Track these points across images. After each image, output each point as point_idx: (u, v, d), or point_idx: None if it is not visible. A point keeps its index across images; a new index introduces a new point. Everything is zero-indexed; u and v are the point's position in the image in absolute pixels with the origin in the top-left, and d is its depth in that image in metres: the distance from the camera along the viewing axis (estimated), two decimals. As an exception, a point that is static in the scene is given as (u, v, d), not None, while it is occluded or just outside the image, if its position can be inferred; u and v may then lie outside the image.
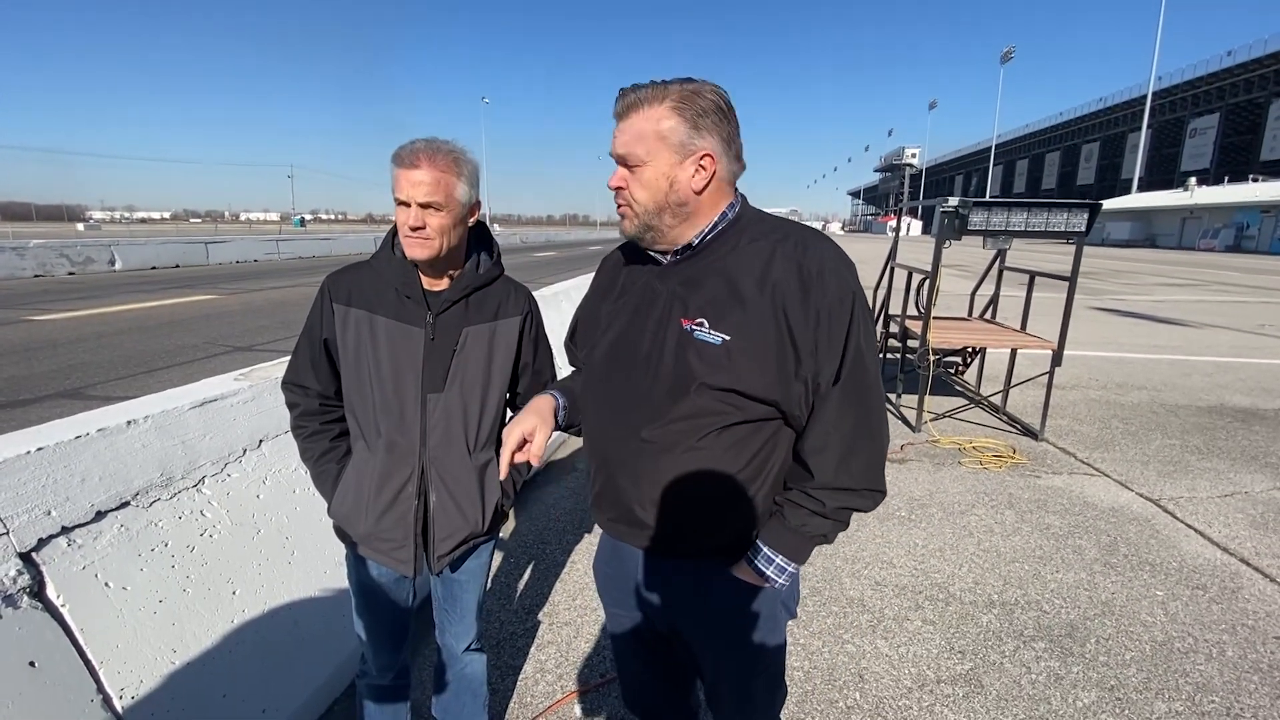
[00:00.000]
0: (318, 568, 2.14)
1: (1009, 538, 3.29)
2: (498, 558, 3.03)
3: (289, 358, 1.59)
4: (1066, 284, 4.62)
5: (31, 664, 1.39)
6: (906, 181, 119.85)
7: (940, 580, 2.88)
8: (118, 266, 17.90)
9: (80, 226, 76.01)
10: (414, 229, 1.33)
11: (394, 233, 1.47)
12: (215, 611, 1.80)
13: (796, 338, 1.06)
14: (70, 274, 16.50)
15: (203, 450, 1.95)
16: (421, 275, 1.44)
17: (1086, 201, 4.49)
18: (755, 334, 1.06)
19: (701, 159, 1.08)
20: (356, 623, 1.62)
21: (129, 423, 1.76)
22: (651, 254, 1.19)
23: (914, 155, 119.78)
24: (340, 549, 1.64)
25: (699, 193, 1.10)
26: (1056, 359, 4.70)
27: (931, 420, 5.11)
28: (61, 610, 1.49)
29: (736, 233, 1.13)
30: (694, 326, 1.09)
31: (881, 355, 6.32)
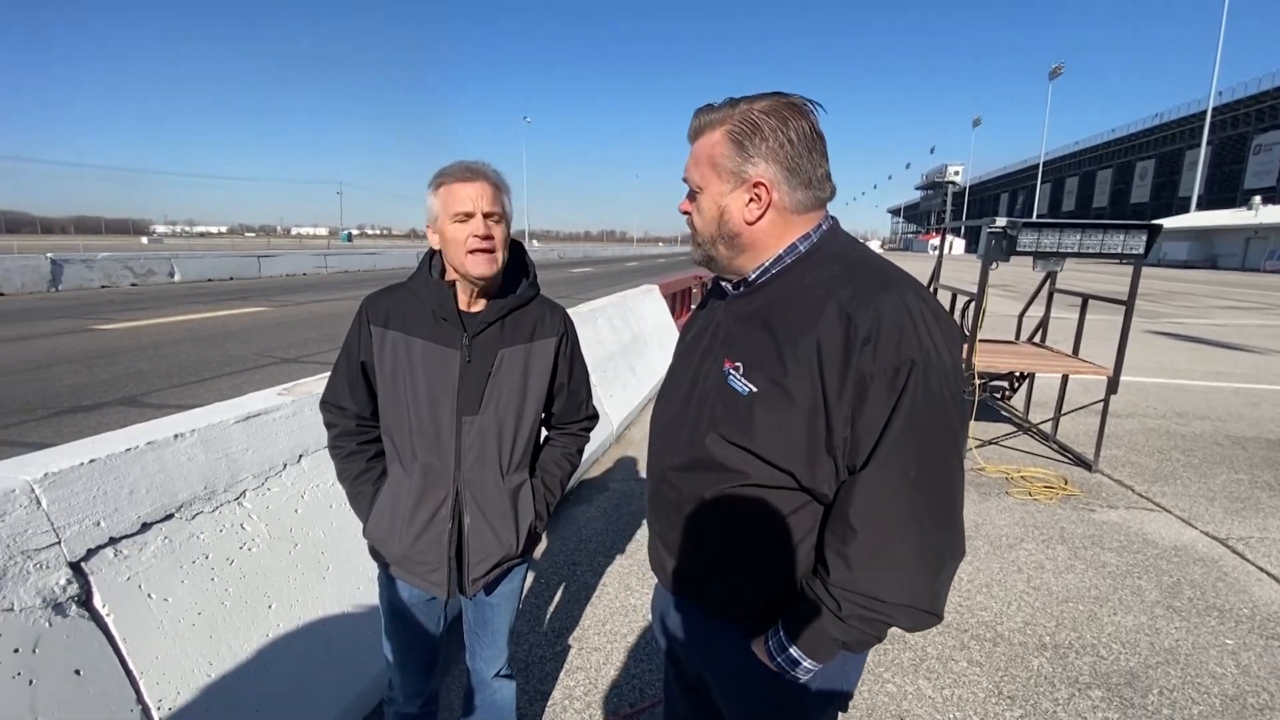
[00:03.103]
0: (351, 583, 2.15)
1: (1061, 575, 3.13)
2: (528, 578, 3.02)
3: (328, 375, 1.61)
4: (1121, 306, 4.43)
5: (76, 672, 1.42)
6: (949, 199, 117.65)
7: (988, 618, 2.75)
8: (177, 278, 18.73)
9: (144, 240, 79.96)
10: (484, 239, 1.34)
11: (431, 255, 1.49)
12: (251, 625, 1.82)
13: (830, 406, 0.91)
14: (133, 285, 17.33)
15: (245, 464, 1.99)
16: (458, 296, 1.44)
17: (1146, 223, 4.30)
18: (784, 393, 0.93)
19: (754, 188, 0.99)
20: (386, 646, 1.61)
21: (176, 436, 1.80)
22: (722, 282, 1.13)
23: (957, 172, 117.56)
24: (374, 565, 1.65)
25: (752, 224, 1.01)
26: (1112, 386, 4.50)
27: (977, 447, 4.93)
28: (106, 620, 1.52)
29: (803, 269, 1.01)
30: (731, 370, 1.01)
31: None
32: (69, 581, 1.46)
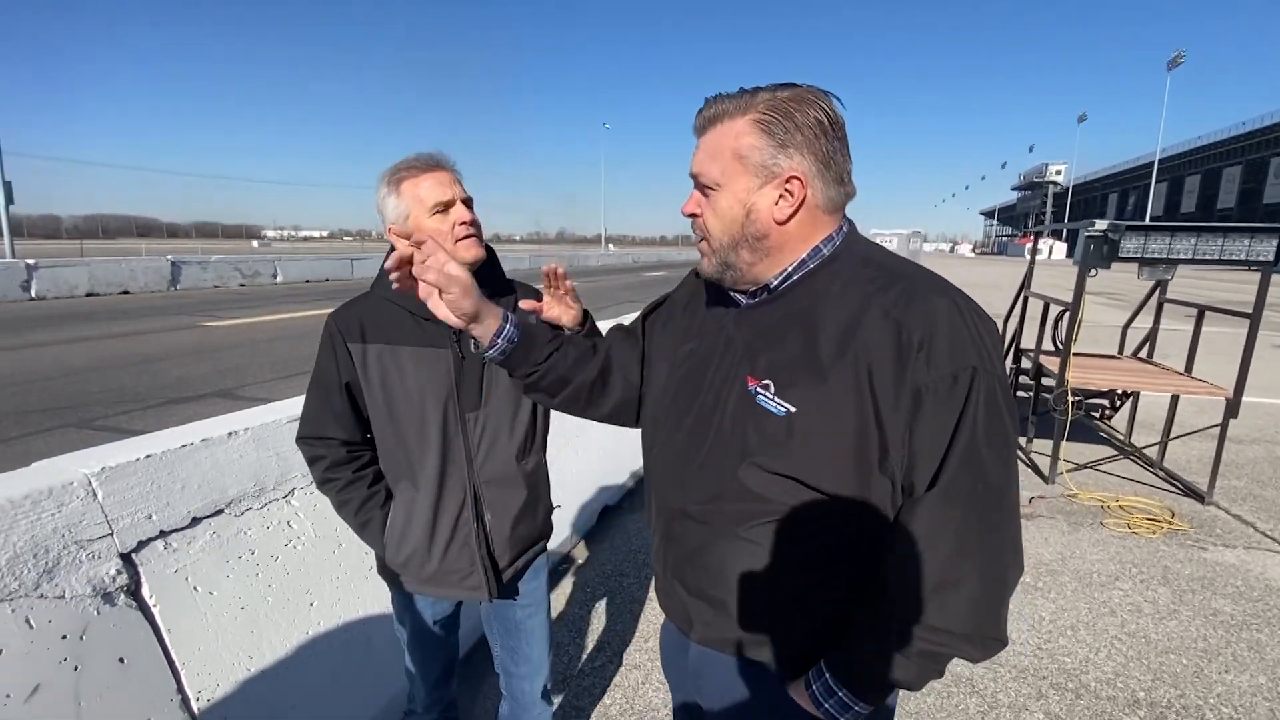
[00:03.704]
0: (393, 585, 2.17)
1: (1163, 621, 2.79)
2: (569, 585, 2.98)
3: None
4: (1244, 319, 3.93)
5: (121, 660, 1.48)
6: (1049, 200, 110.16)
7: (1071, 666, 2.47)
8: (279, 280, 20.15)
9: (255, 243, 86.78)
10: (470, 224, 1.34)
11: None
12: (292, 622, 1.86)
13: (883, 421, 0.83)
14: (241, 285, 18.77)
15: (295, 463, 2.04)
16: None
17: (1275, 226, 3.80)
18: (829, 409, 0.85)
19: (787, 183, 0.89)
20: (406, 658, 1.60)
21: (230, 434, 1.87)
22: (733, 292, 1.02)
23: (1059, 171, 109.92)
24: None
25: (783, 223, 0.90)
26: (1232, 408, 4.00)
27: (1069, 471, 4.51)
28: (153, 610, 1.58)
29: (829, 275, 0.92)
30: (759, 389, 0.90)
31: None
32: (119, 572, 1.53)
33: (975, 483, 0.83)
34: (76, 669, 1.39)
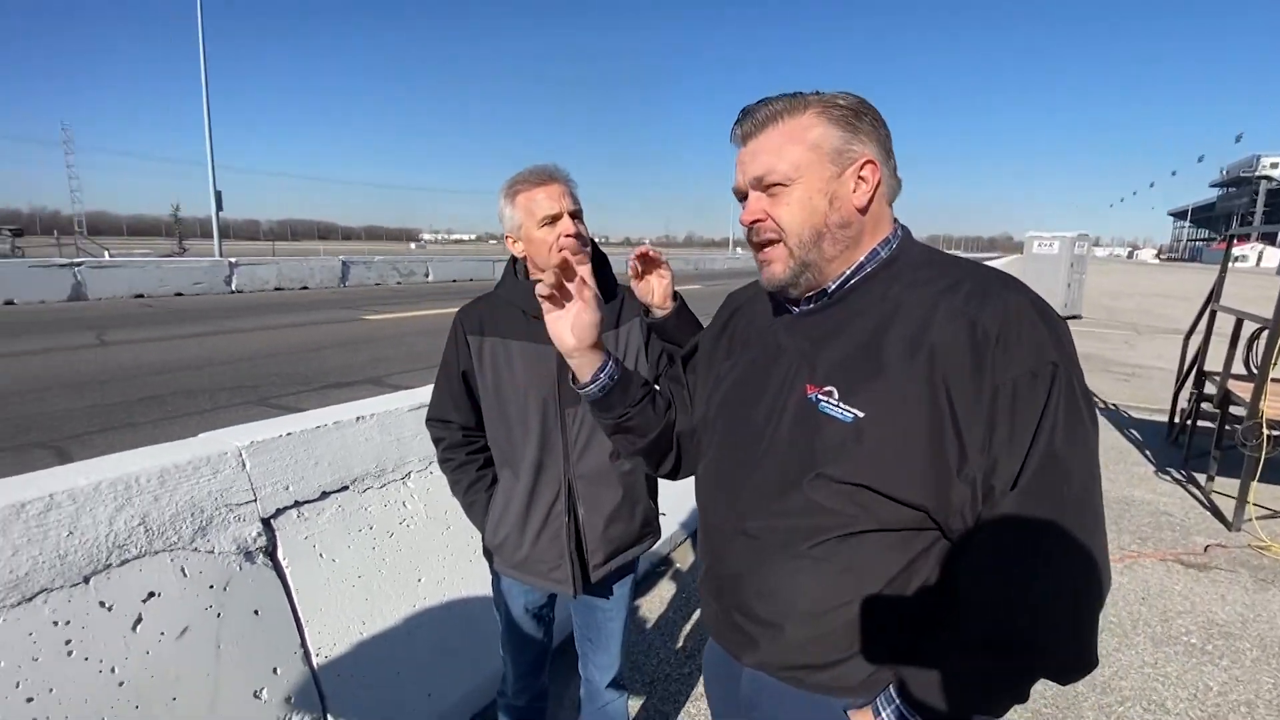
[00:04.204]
0: (493, 570, 2.29)
1: (1379, 712, 2.28)
2: (668, 588, 2.98)
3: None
4: None
5: (255, 612, 1.68)
6: (1260, 198, 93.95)
7: (1243, 748, 2.09)
8: (430, 278, 22.02)
9: (413, 245, 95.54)
10: (576, 236, 1.39)
11: (514, 261, 1.54)
12: (401, 595, 2.02)
13: (961, 422, 0.80)
14: (398, 284, 20.72)
15: (413, 448, 2.22)
16: None
17: None
18: (901, 412, 0.82)
19: (862, 168, 0.89)
20: (502, 640, 1.68)
21: (358, 419, 2.07)
22: (784, 303, 0.99)
23: (1275, 165, 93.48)
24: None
25: (863, 210, 0.90)
26: None
27: (1259, 518, 3.82)
28: (285, 571, 1.79)
29: (887, 278, 0.90)
30: (820, 396, 0.87)
31: (1189, 421, 4.94)
32: (259, 534, 1.75)
33: (1060, 484, 0.78)
34: (219, 616, 1.60)
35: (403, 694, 1.93)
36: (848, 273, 0.92)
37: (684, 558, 3.25)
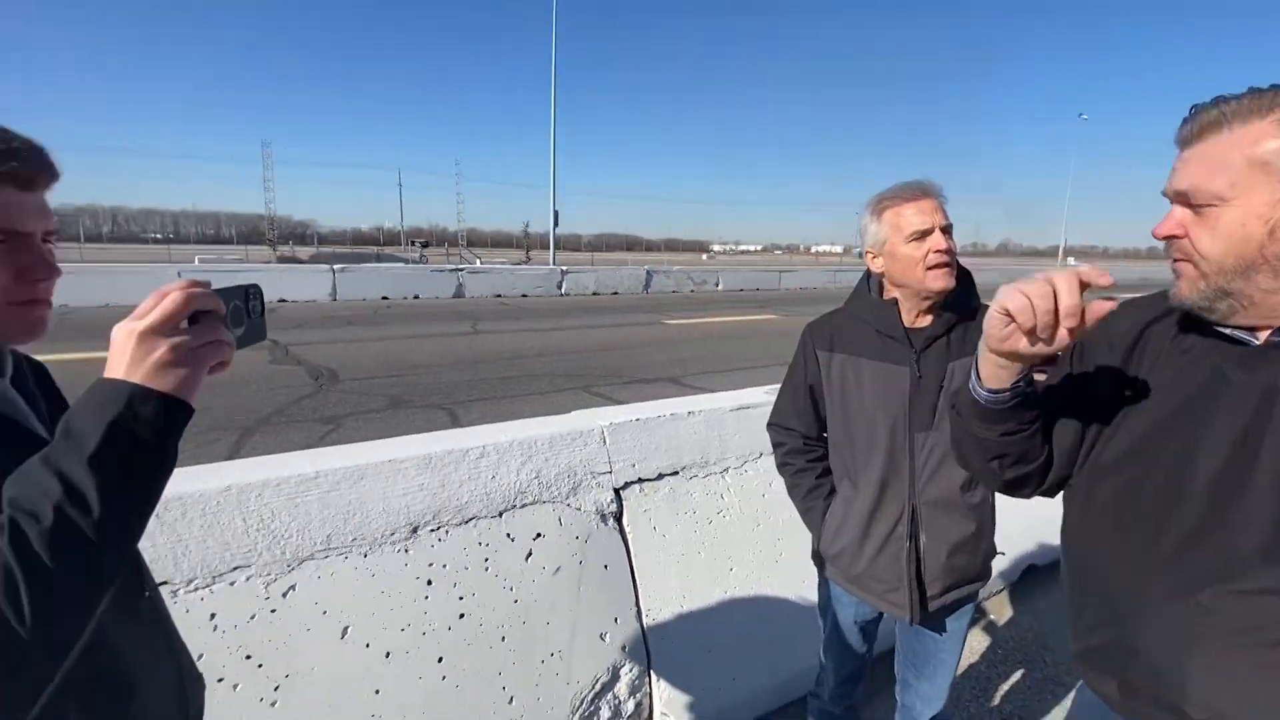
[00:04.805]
0: (797, 575, 2.33)
1: None
2: (981, 639, 2.67)
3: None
4: None
5: (605, 566, 1.99)
6: None
7: None
8: (720, 288, 23.11)
9: (704, 256, 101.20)
10: (944, 253, 1.34)
11: (867, 275, 1.51)
12: (714, 579, 2.19)
13: None
14: (691, 292, 22.19)
15: (732, 445, 2.38)
16: (901, 314, 1.43)
17: None
18: None
19: None
20: (822, 648, 1.71)
21: (689, 413, 2.29)
22: (1228, 329, 0.82)
23: None
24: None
25: None
26: None
27: None
28: (628, 536, 2.07)
29: None
30: None
31: None
32: (612, 501, 2.05)
33: None
34: (580, 563, 1.93)
35: (711, 670, 2.08)
36: None
37: (1002, 612, 2.88)
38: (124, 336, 0.59)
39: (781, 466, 1.69)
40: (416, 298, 16.31)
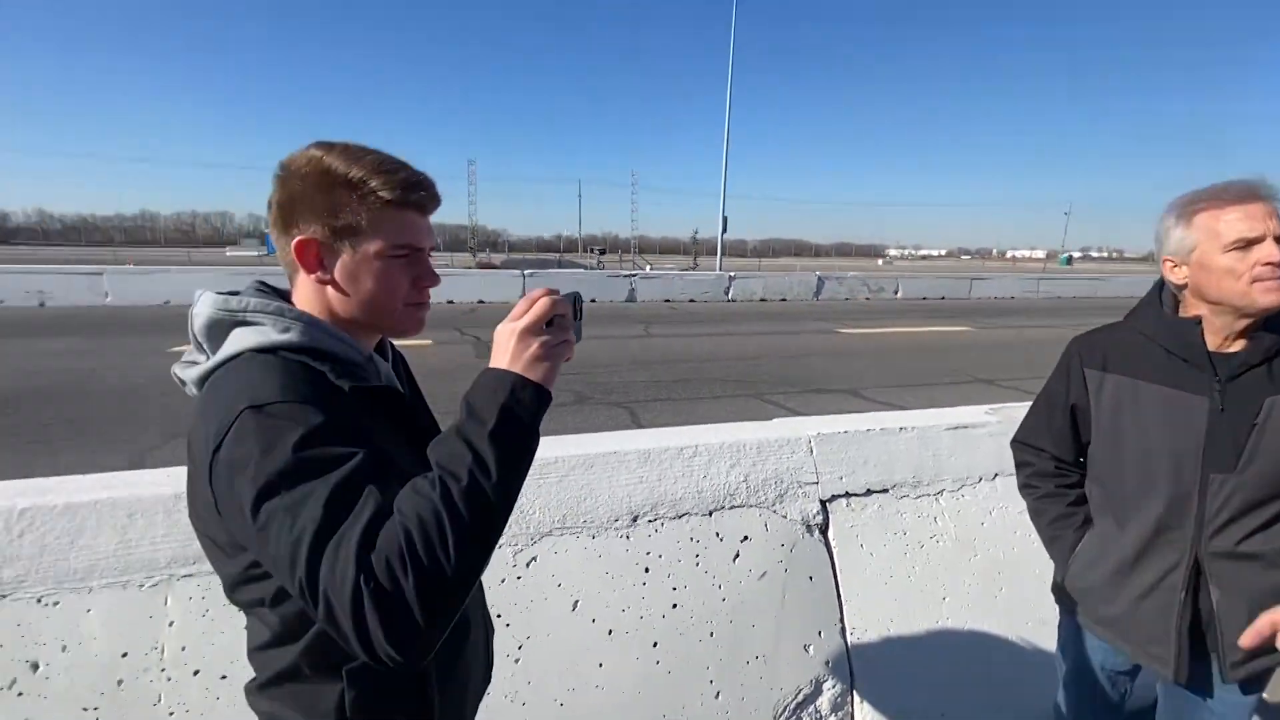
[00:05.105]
0: (1021, 615, 2.13)
1: None
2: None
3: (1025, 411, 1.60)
4: None
5: (810, 578, 1.96)
6: None
7: None
8: (899, 295, 21.65)
9: (880, 261, 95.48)
10: (1277, 266, 1.14)
11: (1159, 287, 1.32)
12: (925, 608, 2.06)
13: None
14: (866, 299, 21.04)
15: (947, 467, 2.23)
16: (1205, 334, 1.23)
17: None
18: None
19: None
20: (1060, 695, 1.55)
21: (901, 429, 2.19)
22: None
23: None
24: (1050, 608, 1.59)
25: None
26: None
27: None
28: (833, 549, 2.03)
29: None
30: None
31: None
32: (818, 512, 2.02)
33: None
34: (786, 571, 1.93)
35: (919, 700, 1.97)
36: None
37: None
38: (506, 334, 0.71)
39: (1024, 489, 1.55)
40: (594, 301, 17.24)
